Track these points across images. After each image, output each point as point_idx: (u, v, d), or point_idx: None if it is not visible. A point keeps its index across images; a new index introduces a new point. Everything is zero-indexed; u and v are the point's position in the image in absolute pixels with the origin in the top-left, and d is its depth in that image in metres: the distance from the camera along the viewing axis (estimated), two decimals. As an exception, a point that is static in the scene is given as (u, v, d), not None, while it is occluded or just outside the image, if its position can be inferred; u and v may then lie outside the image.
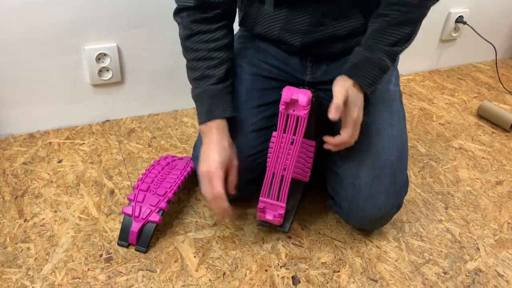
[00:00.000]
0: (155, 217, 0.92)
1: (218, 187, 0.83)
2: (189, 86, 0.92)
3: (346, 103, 0.81)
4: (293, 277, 0.90)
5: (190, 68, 0.91)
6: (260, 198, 0.86)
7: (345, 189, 0.93)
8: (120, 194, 1.07)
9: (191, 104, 1.32)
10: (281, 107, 0.86)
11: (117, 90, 1.31)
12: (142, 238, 0.92)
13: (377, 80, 0.84)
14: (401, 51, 0.85)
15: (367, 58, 0.84)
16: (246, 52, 0.99)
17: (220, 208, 0.85)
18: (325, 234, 1.01)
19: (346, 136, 0.83)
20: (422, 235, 1.03)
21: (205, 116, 0.88)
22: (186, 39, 0.89)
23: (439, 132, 1.43)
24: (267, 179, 0.84)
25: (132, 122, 1.33)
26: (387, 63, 0.84)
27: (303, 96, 0.84)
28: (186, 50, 0.90)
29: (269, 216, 0.88)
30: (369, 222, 0.95)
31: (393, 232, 1.03)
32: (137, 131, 1.30)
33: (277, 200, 0.86)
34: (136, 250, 0.92)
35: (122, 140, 1.25)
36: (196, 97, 0.91)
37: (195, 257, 0.93)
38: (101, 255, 0.91)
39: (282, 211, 0.87)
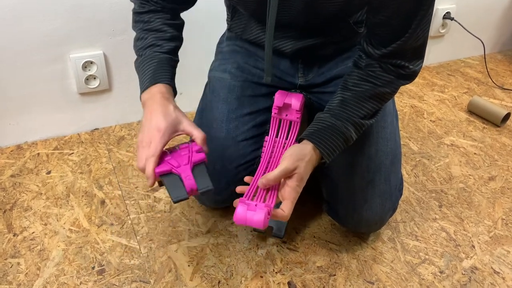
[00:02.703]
0: (198, 156, 0.75)
1: (154, 147, 0.71)
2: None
3: (291, 174, 0.72)
4: (289, 283, 0.89)
5: (138, 39, 0.84)
6: (240, 199, 0.72)
7: (340, 193, 0.93)
8: (111, 204, 1.05)
9: (183, 109, 1.31)
10: (274, 112, 0.85)
11: (105, 97, 1.29)
12: (200, 180, 0.73)
13: (337, 151, 0.77)
14: (367, 125, 0.80)
15: (333, 125, 0.76)
16: (235, 56, 0.98)
17: (147, 173, 0.71)
18: (320, 237, 1.00)
19: (288, 211, 0.71)
20: (417, 235, 1.02)
21: (148, 81, 0.79)
22: (139, 14, 0.84)
23: (431, 130, 1.42)
24: (254, 183, 0.81)
25: (122, 130, 1.32)
26: (352, 135, 0.78)
27: (295, 100, 0.83)
28: (137, 22, 0.84)
29: (252, 218, 0.69)
30: (365, 226, 0.95)
31: (388, 232, 1.02)
32: (127, 138, 1.28)
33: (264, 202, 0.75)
34: (202, 192, 0.73)
35: (112, 149, 1.23)
36: (140, 65, 0.81)
37: (189, 266, 0.91)
38: (93, 268, 0.90)
39: (267, 213, 0.70)
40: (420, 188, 1.17)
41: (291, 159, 0.72)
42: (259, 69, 0.96)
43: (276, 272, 0.91)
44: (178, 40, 0.86)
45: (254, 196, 0.74)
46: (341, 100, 0.78)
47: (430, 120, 1.48)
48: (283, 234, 0.97)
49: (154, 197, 1.08)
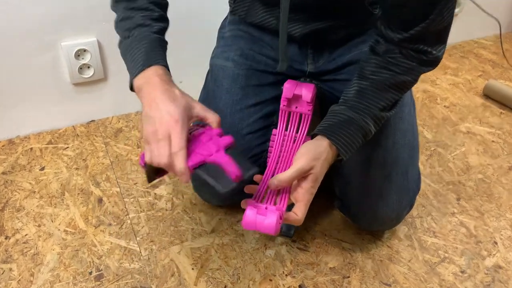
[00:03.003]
0: (225, 140, 0.65)
1: (178, 140, 0.61)
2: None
3: (306, 175, 0.66)
4: (300, 286, 0.83)
5: (122, 19, 0.73)
6: (249, 201, 0.65)
7: (353, 189, 0.86)
8: (109, 202, 0.99)
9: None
10: (283, 104, 0.78)
11: (100, 87, 1.22)
12: (241, 164, 0.62)
13: (355, 147, 0.69)
14: (386, 118, 0.73)
15: (350, 119, 0.69)
16: (238, 42, 0.90)
17: (181, 169, 0.61)
18: (332, 235, 0.94)
19: (302, 215, 0.65)
20: (435, 231, 0.96)
21: (141, 64, 0.68)
22: None
23: (445, 116, 1.35)
24: (264, 182, 0.74)
25: (119, 121, 1.25)
26: (371, 129, 0.70)
27: (306, 91, 0.76)
28: (118, 1, 0.74)
29: (262, 223, 0.62)
30: (380, 224, 0.88)
31: (404, 229, 0.96)
32: (125, 131, 1.21)
33: (274, 205, 0.66)
34: (248, 177, 0.63)
35: (109, 142, 1.17)
36: (127, 48, 0.71)
37: (193, 269, 0.85)
38: (90, 273, 0.84)
39: (278, 217, 0.63)
40: (437, 179, 1.10)
41: (306, 158, 0.65)
42: (264, 56, 0.88)
43: (286, 275, 0.85)
44: (166, 21, 0.76)
45: (263, 197, 0.67)
46: (358, 91, 0.71)
47: (444, 106, 1.40)
48: (292, 233, 0.90)
49: (155, 194, 1.01)
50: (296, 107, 0.77)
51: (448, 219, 0.99)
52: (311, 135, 0.72)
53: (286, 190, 0.68)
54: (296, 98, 0.76)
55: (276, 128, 0.80)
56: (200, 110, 0.67)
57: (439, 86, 1.50)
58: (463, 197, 1.05)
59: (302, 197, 0.66)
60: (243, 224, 0.63)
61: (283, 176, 0.65)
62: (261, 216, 0.62)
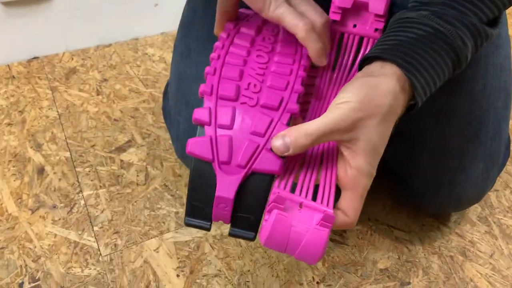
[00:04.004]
0: (275, 164, 0.36)
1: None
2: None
3: (354, 135, 0.36)
4: (340, 300, 0.56)
5: None
6: (274, 189, 0.36)
7: (418, 159, 0.57)
8: (54, 173, 0.68)
9: (159, 28, 0.91)
10: (333, 19, 0.46)
11: (45, 11, 0.87)
12: (247, 208, 0.37)
13: (437, 84, 0.41)
14: (490, 36, 0.42)
15: (436, 32, 0.39)
16: None
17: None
18: (379, 220, 0.66)
19: (353, 214, 0.37)
20: (519, 210, 0.69)
21: None
22: None
23: None
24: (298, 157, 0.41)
25: (72, 59, 0.91)
26: (468, 53, 0.41)
27: None
28: None
29: (301, 241, 0.34)
30: (455, 206, 0.60)
31: (476, 208, 0.69)
32: (80, 71, 0.88)
33: (314, 200, 0.36)
34: (231, 235, 0.38)
35: (57, 87, 0.84)
36: None
37: (178, 276, 0.57)
38: (21, 285, 0.55)
39: (328, 234, 0.35)
40: None
41: (348, 106, 0.36)
42: None
43: (317, 282, 0.57)
44: None
45: (296, 178, 0.37)
46: None
47: None
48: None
49: (121, 161, 0.71)
50: (355, 26, 0.46)
51: (532, 192, 0.72)
52: (361, 60, 0.41)
53: (329, 166, 0.38)
54: (357, 9, 0.45)
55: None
56: None
57: None
58: (547, 162, 0.77)
59: (354, 182, 0.37)
60: (263, 239, 0.35)
61: (298, 131, 0.36)
62: (299, 230, 0.34)
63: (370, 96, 0.36)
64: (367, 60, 0.40)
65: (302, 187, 0.36)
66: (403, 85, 0.38)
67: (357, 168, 0.37)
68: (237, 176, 0.35)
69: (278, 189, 0.36)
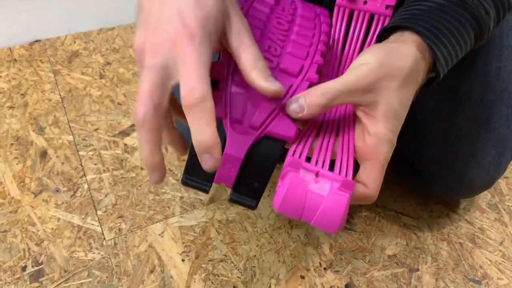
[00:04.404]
0: (289, 130, 0.35)
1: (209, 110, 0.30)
2: None
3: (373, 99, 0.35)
4: (347, 286, 0.55)
5: None
6: (287, 158, 0.34)
7: (429, 143, 0.56)
8: (57, 157, 0.67)
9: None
10: None
11: (46, -8, 0.86)
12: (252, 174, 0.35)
13: (459, 56, 0.39)
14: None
15: (456, 1, 0.38)
16: None
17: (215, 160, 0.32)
18: (386, 206, 0.65)
19: (374, 187, 0.35)
20: (529, 198, 0.68)
21: None
22: None
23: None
24: (308, 123, 0.39)
25: (75, 42, 0.89)
26: (490, 24, 0.40)
27: None
28: None
29: (319, 205, 0.32)
30: (465, 192, 0.59)
31: (486, 195, 0.67)
32: (83, 55, 0.86)
33: (331, 171, 0.34)
34: (232, 200, 0.36)
35: (60, 70, 0.82)
36: None
37: (183, 260, 0.56)
38: (24, 268, 0.54)
39: (348, 200, 0.33)
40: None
41: (368, 67, 0.34)
42: None
43: (324, 268, 0.56)
44: None
45: (311, 148, 0.36)
46: None
47: None
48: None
49: (125, 145, 0.69)
50: (365, 2, 0.44)
51: (542, 180, 0.70)
52: (380, 33, 0.40)
53: (346, 136, 0.37)
54: None
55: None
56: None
57: None
58: (557, 149, 0.76)
59: (374, 150, 0.35)
60: (277, 203, 0.33)
61: (314, 90, 0.34)
62: (317, 192, 0.32)
63: (390, 58, 0.35)
64: (385, 33, 0.39)
65: (318, 157, 0.34)
66: (424, 54, 0.36)
67: (377, 134, 0.35)
68: (249, 137, 0.33)
69: (292, 156, 0.34)
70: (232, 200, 0.35)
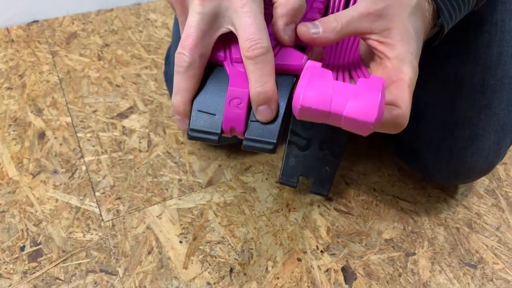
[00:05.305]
0: (298, 59, 0.33)
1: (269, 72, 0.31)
2: None
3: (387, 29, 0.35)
4: (343, 269, 0.55)
5: None
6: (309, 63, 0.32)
7: (428, 128, 0.56)
8: (55, 138, 0.67)
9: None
10: None
11: (43, -28, 0.85)
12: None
13: (464, 9, 0.40)
14: None
15: None
16: None
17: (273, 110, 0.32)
18: (384, 190, 0.65)
19: (406, 105, 0.33)
20: (527, 184, 0.68)
21: None
22: None
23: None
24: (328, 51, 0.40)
25: (73, 23, 0.89)
26: None
27: None
28: None
29: (349, 97, 0.29)
30: (464, 178, 0.59)
31: (484, 180, 0.67)
32: (81, 36, 0.86)
33: None
34: (247, 145, 0.33)
35: (58, 51, 0.82)
36: None
37: (181, 242, 0.56)
38: (22, 248, 0.54)
39: (383, 92, 0.30)
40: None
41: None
42: None
43: (321, 251, 0.57)
44: None
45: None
46: None
47: None
48: (327, 191, 0.59)
49: (123, 127, 0.69)
50: None
51: (541, 166, 0.70)
52: None
53: (361, 73, 0.36)
54: None
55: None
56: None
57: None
58: (557, 136, 0.76)
59: (397, 71, 0.33)
60: (298, 100, 0.29)
61: (327, 18, 0.34)
62: (343, 83, 0.29)
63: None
64: None
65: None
66: (428, 5, 0.36)
67: (397, 56, 0.33)
68: None
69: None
70: (246, 146, 0.32)
